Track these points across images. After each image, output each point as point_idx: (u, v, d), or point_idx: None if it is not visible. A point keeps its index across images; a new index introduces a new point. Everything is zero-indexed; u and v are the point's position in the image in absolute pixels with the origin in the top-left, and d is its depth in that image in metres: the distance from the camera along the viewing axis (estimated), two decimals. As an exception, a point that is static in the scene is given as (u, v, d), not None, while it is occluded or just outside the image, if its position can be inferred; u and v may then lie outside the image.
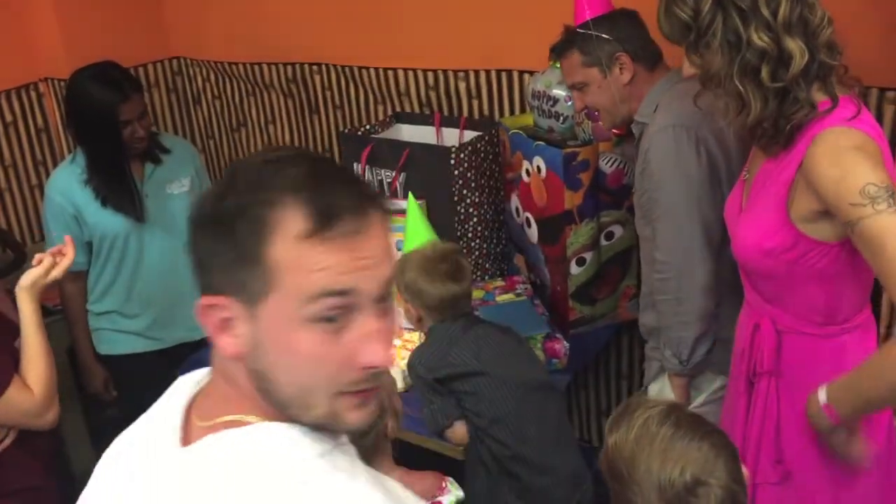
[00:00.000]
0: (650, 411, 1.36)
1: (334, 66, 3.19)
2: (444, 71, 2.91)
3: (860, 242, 1.48)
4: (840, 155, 1.49)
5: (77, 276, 2.73)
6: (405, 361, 2.37)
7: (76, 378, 2.96)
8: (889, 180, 1.46)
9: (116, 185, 2.62)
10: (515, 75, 2.76)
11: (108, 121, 2.53)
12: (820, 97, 1.56)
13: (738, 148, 1.98)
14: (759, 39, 1.52)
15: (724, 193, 1.97)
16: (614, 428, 1.38)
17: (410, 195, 2.44)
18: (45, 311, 2.91)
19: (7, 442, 2.01)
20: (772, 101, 1.55)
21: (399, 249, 2.49)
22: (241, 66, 3.45)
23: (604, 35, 2.07)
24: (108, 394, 2.88)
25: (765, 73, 1.53)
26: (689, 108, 1.95)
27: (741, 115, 1.59)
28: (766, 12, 1.51)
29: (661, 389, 2.20)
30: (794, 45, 1.51)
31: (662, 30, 1.66)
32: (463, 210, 2.66)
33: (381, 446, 1.79)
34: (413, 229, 2.37)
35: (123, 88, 2.54)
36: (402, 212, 2.55)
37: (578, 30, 2.11)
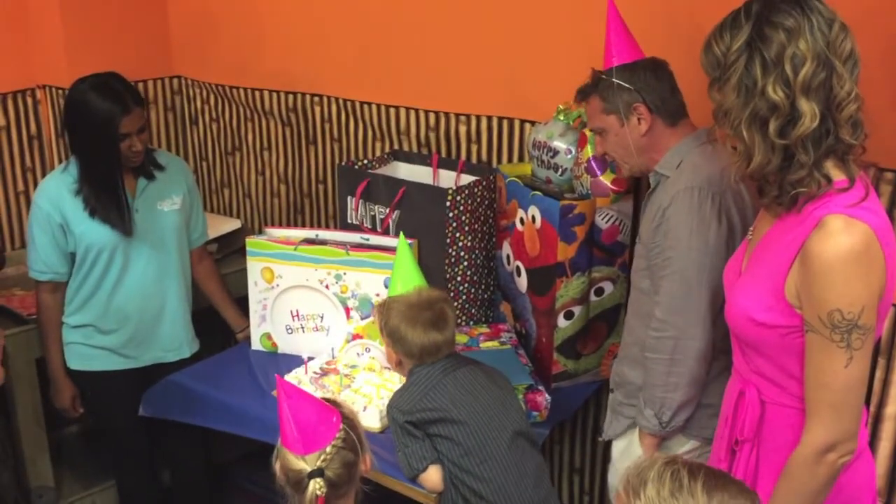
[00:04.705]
0: (673, 466, 1.32)
1: (336, 98, 3.18)
2: (446, 113, 2.89)
3: (806, 342, 1.56)
4: (833, 261, 1.49)
5: (56, 286, 2.68)
6: (384, 401, 2.32)
7: (42, 391, 2.88)
8: (864, 300, 1.49)
9: (106, 197, 2.58)
10: (517, 124, 2.75)
11: (106, 132, 2.50)
12: (836, 174, 1.54)
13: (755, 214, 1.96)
14: (774, 93, 1.51)
15: None
16: (640, 489, 1.31)
17: (402, 235, 2.40)
18: (20, 320, 2.88)
19: None
20: (776, 158, 1.54)
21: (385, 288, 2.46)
22: (241, 91, 3.44)
23: (624, 84, 2.05)
24: (74, 410, 2.79)
25: (772, 127, 1.52)
26: (717, 172, 1.93)
27: (744, 162, 1.58)
28: (788, 68, 1.50)
29: (629, 446, 2.15)
30: (808, 107, 1.50)
31: (701, 63, 1.65)
32: (454, 253, 2.63)
33: (354, 484, 1.75)
34: (401, 271, 2.31)
35: (125, 101, 2.52)
36: (393, 249, 2.52)
37: (602, 75, 2.10)
